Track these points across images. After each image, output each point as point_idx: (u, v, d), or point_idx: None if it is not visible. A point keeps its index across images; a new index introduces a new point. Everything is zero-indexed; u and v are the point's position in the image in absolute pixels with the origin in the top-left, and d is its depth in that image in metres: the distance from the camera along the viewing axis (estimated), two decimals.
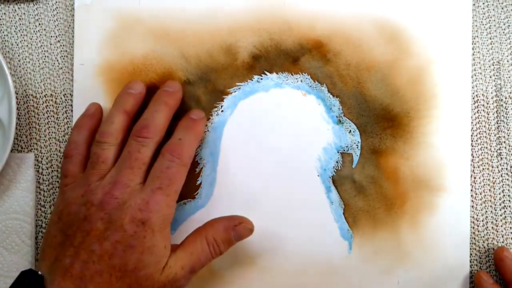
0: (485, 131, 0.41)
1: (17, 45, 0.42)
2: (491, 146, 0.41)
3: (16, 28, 0.42)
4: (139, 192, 0.35)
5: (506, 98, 0.41)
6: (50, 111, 0.42)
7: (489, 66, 0.41)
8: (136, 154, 0.35)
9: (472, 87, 0.41)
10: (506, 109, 0.41)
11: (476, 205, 0.41)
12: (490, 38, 0.42)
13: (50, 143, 0.41)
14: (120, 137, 0.37)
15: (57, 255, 0.34)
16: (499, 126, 0.41)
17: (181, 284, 0.35)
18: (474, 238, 0.41)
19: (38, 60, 0.42)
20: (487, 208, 0.41)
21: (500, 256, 0.39)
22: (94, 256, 0.33)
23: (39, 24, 0.42)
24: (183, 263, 0.35)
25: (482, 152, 0.41)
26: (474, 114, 0.41)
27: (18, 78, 0.42)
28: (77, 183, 0.36)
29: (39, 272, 0.34)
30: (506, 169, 0.41)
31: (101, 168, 0.36)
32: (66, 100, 0.42)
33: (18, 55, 0.42)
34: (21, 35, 0.42)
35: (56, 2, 0.42)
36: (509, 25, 0.42)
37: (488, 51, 0.42)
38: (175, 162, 0.35)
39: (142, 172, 0.35)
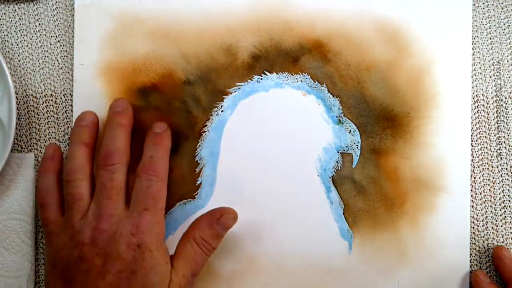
0: (485, 131, 0.41)
1: (17, 45, 0.42)
2: (491, 146, 0.41)
3: (16, 28, 0.42)
4: (126, 218, 0.35)
5: (506, 98, 0.41)
6: (50, 111, 0.42)
7: (489, 66, 0.42)
8: (110, 183, 0.35)
9: (472, 87, 0.41)
10: (506, 109, 0.41)
11: (476, 205, 0.41)
12: (490, 38, 0.42)
13: (50, 143, 0.41)
14: (87, 170, 0.37)
15: None
16: (499, 126, 0.41)
17: None
18: (474, 238, 0.41)
19: (38, 60, 0.42)
20: (487, 208, 0.41)
21: (498, 255, 0.39)
22: None
23: (39, 24, 0.42)
24: (183, 272, 0.35)
25: (482, 152, 0.41)
26: (474, 114, 0.41)
27: (18, 78, 0.42)
28: (60, 228, 0.36)
29: None
30: (506, 169, 0.41)
31: (80, 206, 0.35)
32: (66, 100, 0.42)
33: (18, 55, 0.42)
34: (21, 35, 0.42)
35: (56, 2, 0.42)
36: (509, 25, 0.42)
37: (488, 51, 0.42)
38: (153, 180, 0.35)
39: (122, 198, 0.35)
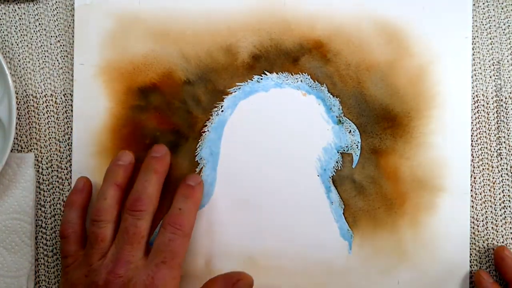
0: (485, 131, 0.41)
1: (17, 45, 0.42)
2: (491, 146, 0.41)
3: (16, 28, 0.42)
4: (143, 267, 0.35)
5: (506, 98, 0.41)
6: (50, 111, 0.42)
7: (489, 66, 0.41)
8: (133, 229, 0.35)
9: (472, 87, 0.41)
10: (506, 109, 0.41)
11: (476, 205, 0.41)
12: (490, 38, 0.42)
13: (50, 143, 0.41)
14: (115, 212, 0.37)
15: None
16: (499, 126, 0.41)
17: None
18: (474, 238, 0.41)
19: (38, 60, 0.42)
20: (487, 208, 0.41)
21: (500, 255, 0.39)
22: None
23: (39, 24, 0.42)
24: None
25: (482, 152, 0.41)
26: (474, 114, 0.41)
27: (18, 78, 0.42)
28: (78, 263, 0.36)
29: None
30: (506, 169, 0.41)
31: (101, 247, 0.35)
32: (66, 100, 0.42)
33: (18, 55, 0.42)
34: (21, 35, 0.42)
35: (56, 2, 0.42)
36: (509, 25, 0.42)
37: (488, 51, 0.42)
38: (177, 234, 0.35)
39: (142, 246, 0.35)
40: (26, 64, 0.42)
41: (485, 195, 0.41)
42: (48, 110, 0.42)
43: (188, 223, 0.36)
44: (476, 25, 0.41)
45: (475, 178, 0.41)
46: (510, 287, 0.39)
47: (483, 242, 0.41)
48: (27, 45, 0.42)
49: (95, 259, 0.35)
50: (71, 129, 0.41)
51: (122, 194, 0.37)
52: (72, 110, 0.41)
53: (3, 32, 0.42)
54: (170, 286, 0.35)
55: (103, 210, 0.36)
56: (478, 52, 0.42)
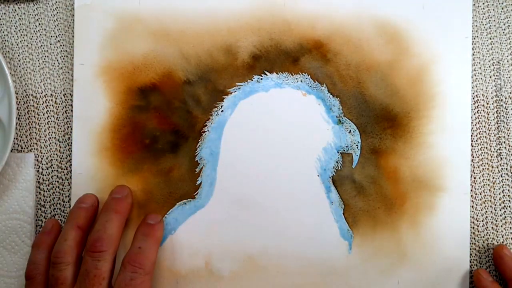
0: (485, 131, 0.41)
1: (17, 45, 0.42)
2: (491, 146, 0.41)
3: (16, 28, 0.42)
4: None
5: (506, 98, 0.41)
6: (50, 111, 0.42)
7: (489, 66, 0.42)
8: (94, 271, 0.35)
9: (472, 87, 0.41)
10: (506, 109, 0.41)
11: (476, 205, 0.41)
12: (490, 38, 0.42)
13: (50, 143, 0.41)
14: (75, 253, 0.36)
15: None
16: (499, 126, 0.41)
17: None
18: (474, 238, 0.41)
19: (38, 60, 0.42)
20: (487, 208, 0.41)
21: (499, 253, 0.39)
22: None
23: (39, 24, 0.42)
24: None
25: (482, 152, 0.41)
26: (474, 114, 0.41)
27: (18, 78, 0.42)
28: None
29: None
30: (506, 169, 0.41)
31: None
32: (66, 100, 0.42)
33: (18, 55, 0.42)
34: (21, 35, 0.42)
35: (56, 2, 0.42)
36: (509, 25, 0.42)
37: (488, 51, 0.42)
38: (138, 273, 0.35)
39: (103, 287, 0.35)
40: (26, 64, 0.42)
41: (485, 195, 0.41)
42: (48, 110, 0.42)
43: (149, 262, 0.36)
44: (476, 25, 0.41)
45: (475, 178, 0.41)
46: (510, 285, 0.39)
47: (483, 242, 0.41)
48: (27, 45, 0.42)
49: None
50: (71, 129, 0.41)
51: (84, 235, 0.37)
52: (72, 110, 0.41)
53: (3, 32, 0.42)
54: None
55: (63, 252, 0.36)
56: (478, 52, 0.42)
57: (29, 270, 0.37)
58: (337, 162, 0.41)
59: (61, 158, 0.41)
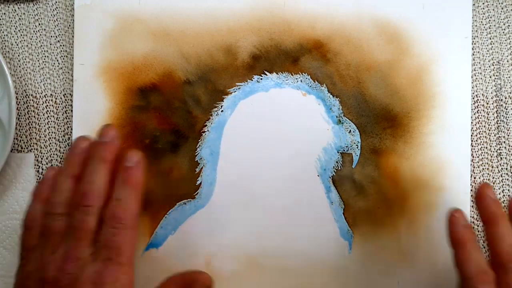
0: (485, 131, 0.41)
1: (17, 45, 0.42)
2: (491, 146, 0.41)
3: (16, 28, 0.42)
4: (91, 264, 0.33)
5: (506, 98, 0.41)
6: (50, 111, 0.42)
7: (489, 66, 0.42)
8: (81, 225, 0.33)
9: (472, 87, 0.41)
10: (506, 109, 0.41)
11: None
12: (490, 38, 0.42)
13: (50, 143, 0.41)
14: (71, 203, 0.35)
15: None
16: (499, 126, 0.41)
17: None
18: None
19: (38, 60, 0.42)
20: None
21: (481, 193, 0.35)
22: None
23: (39, 24, 0.42)
24: None
25: (482, 152, 0.41)
26: (474, 114, 0.41)
27: (18, 78, 0.42)
28: (33, 256, 0.35)
29: None
30: (506, 169, 0.41)
31: (54, 240, 0.34)
32: (66, 100, 0.42)
33: (18, 55, 0.42)
34: (21, 35, 0.42)
35: (56, 2, 0.42)
36: (509, 25, 0.42)
37: (488, 51, 0.42)
38: (118, 228, 0.33)
39: (90, 241, 0.34)
40: (26, 64, 0.42)
41: None
42: (48, 110, 0.42)
43: (129, 214, 0.33)
44: (476, 25, 0.41)
45: (475, 178, 0.41)
46: (486, 228, 0.35)
47: (483, 242, 0.41)
48: (27, 45, 0.42)
49: (47, 253, 0.34)
50: (71, 129, 0.41)
51: (79, 183, 0.35)
52: (72, 110, 0.41)
53: (3, 32, 0.42)
54: (122, 281, 0.33)
55: (58, 204, 0.34)
56: (478, 52, 0.42)
57: (27, 220, 0.36)
58: (337, 162, 0.41)
59: (61, 158, 0.41)
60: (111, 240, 0.33)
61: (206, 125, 0.41)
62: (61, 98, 0.42)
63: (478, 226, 0.41)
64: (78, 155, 0.36)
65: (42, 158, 0.41)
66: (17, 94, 0.41)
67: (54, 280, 0.33)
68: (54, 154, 0.41)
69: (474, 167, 0.41)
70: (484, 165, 0.41)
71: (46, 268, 0.33)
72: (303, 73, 0.41)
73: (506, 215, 0.35)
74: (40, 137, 0.42)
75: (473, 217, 0.41)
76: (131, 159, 0.35)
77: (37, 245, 0.35)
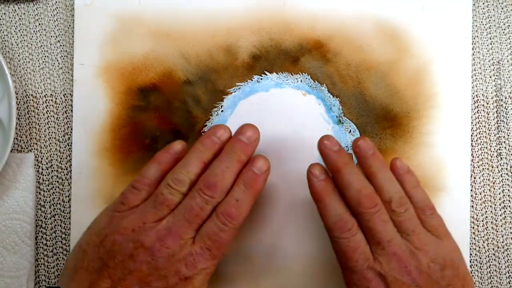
0: (485, 131, 0.41)
1: (17, 45, 0.42)
2: (491, 146, 0.41)
3: (16, 28, 0.42)
4: (190, 247, 0.34)
5: (506, 98, 0.41)
6: (50, 111, 0.42)
7: (489, 66, 0.42)
8: (198, 210, 0.34)
9: (472, 87, 0.41)
10: (506, 109, 0.41)
11: (476, 205, 0.41)
12: (490, 38, 0.42)
13: (50, 143, 0.41)
14: (191, 186, 0.35)
15: (92, 282, 0.33)
16: (499, 126, 0.41)
17: None
18: (474, 238, 0.41)
19: (38, 60, 0.42)
20: (487, 208, 0.41)
21: (320, 145, 0.35)
22: None
23: (39, 24, 0.42)
24: None
25: (482, 152, 0.41)
26: (474, 114, 0.41)
27: (18, 78, 0.42)
28: (131, 215, 0.35)
29: None
30: (506, 169, 0.41)
31: (163, 211, 0.34)
32: (66, 100, 0.42)
33: (18, 55, 0.42)
34: (21, 35, 0.42)
35: (56, 2, 0.42)
36: (509, 25, 0.42)
37: (488, 51, 0.42)
38: (228, 226, 0.34)
39: (197, 227, 0.34)
40: (26, 64, 0.42)
41: (485, 195, 0.41)
42: (48, 110, 0.42)
43: (242, 217, 0.34)
44: (476, 25, 0.41)
45: (475, 178, 0.41)
46: (334, 178, 0.35)
47: (483, 242, 0.41)
48: (27, 45, 0.42)
49: (151, 219, 0.34)
50: (71, 129, 0.41)
51: (204, 170, 0.35)
52: (72, 110, 0.41)
53: (3, 32, 0.42)
54: (208, 271, 0.34)
55: (183, 182, 0.35)
56: (478, 52, 0.42)
57: (140, 182, 0.35)
58: None
59: (61, 158, 0.41)
60: (217, 234, 0.34)
61: (206, 125, 0.41)
62: (61, 98, 0.42)
63: (478, 226, 0.41)
64: (215, 143, 0.36)
65: (42, 158, 0.41)
66: (17, 94, 0.41)
67: (150, 248, 0.33)
68: (54, 154, 0.41)
69: (474, 167, 0.41)
70: (484, 165, 0.41)
71: (146, 233, 0.34)
72: (303, 73, 0.41)
73: (350, 160, 0.35)
74: (40, 137, 0.42)
75: (473, 217, 0.41)
76: (261, 168, 0.35)
77: (140, 207, 0.35)
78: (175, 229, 0.34)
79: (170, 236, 0.33)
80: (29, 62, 0.42)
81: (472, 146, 0.41)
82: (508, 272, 0.41)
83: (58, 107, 0.42)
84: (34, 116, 0.42)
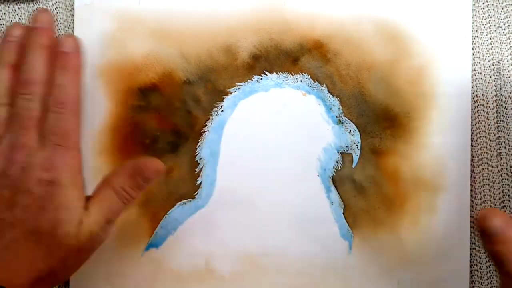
0: (485, 131, 0.41)
1: None
2: (491, 146, 0.41)
3: None
4: (40, 151, 0.33)
5: (506, 98, 0.41)
6: None
7: (489, 66, 0.42)
8: (25, 112, 0.33)
9: (472, 87, 0.41)
10: (506, 109, 0.41)
11: (476, 205, 0.41)
12: (490, 38, 0.42)
13: None
14: (11, 93, 0.34)
15: None
16: (499, 126, 0.41)
17: (101, 239, 0.34)
18: (474, 238, 0.41)
19: None
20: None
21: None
22: (6, 224, 0.31)
23: None
24: (96, 218, 0.33)
25: (482, 152, 0.41)
26: (474, 114, 0.41)
27: None
28: None
29: None
30: (506, 169, 0.41)
31: None
32: None
33: None
34: None
35: (56, 2, 0.42)
36: (509, 25, 0.42)
37: (488, 51, 0.42)
38: (61, 113, 0.33)
39: (37, 129, 0.33)
40: None
41: (485, 195, 0.41)
42: None
43: (70, 98, 0.33)
44: (476, 25, 0.41)
45: (475, 178, 0.41)
46: None
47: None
48: None
49: None
50: None
51: (18, 74, 0.34)
52: None
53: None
54: (71, 165, 0.33)
55: None
56: (478, 52, 0.42)
57: None
58: (337, 162, 0.41)
59: None
60: (56, 126, 0.33)
61: (206, 125, 0.41)
62: None
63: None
64: (12, 43, 0.35)
65: None
66: None
67: (2, 171, 0.32)
68: None
69: (474, 167, 0.41)
70: (484, 165, 0.41)
71: None
72: (303, 73, 0.41)
73: None
74: None
75: (473, 217, 0.41)
76: (69, 46, 0.34)
77: None
78: (15, 141, 0.33)
79: (14, 150, 0.32)
80: None
81: (472, 146, 0.41)
82: None
83: None
84: None
